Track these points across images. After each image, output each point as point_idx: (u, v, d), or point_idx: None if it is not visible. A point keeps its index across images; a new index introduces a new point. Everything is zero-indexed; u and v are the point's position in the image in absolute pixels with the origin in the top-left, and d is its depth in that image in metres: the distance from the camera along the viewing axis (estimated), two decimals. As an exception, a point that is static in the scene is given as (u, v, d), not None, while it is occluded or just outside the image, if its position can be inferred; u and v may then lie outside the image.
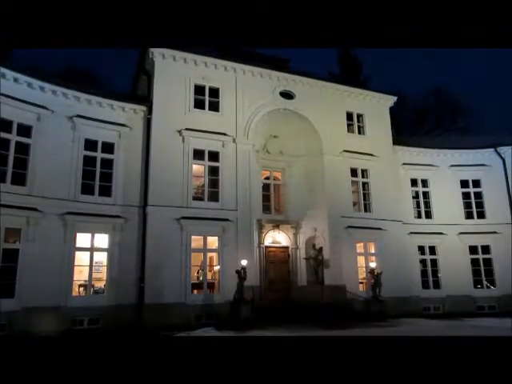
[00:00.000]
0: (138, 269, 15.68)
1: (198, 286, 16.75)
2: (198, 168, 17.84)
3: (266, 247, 19.68)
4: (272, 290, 19.21)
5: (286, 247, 20.14)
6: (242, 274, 15.28)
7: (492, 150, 22.39)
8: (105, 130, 16.37)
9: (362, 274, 19.97)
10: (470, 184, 22.27)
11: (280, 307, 17.38)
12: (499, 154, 22.21)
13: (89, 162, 15.94)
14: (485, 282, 21.08)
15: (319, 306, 17.37)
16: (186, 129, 17.28)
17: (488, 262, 21.28)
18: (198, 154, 17.57)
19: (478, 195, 22.16)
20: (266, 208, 20.46)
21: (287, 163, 20.88)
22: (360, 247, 20.08)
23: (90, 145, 16.07)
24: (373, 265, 18.70)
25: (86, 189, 15.67)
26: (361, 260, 19.89)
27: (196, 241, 17.04)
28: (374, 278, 18.15)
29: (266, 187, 20.83)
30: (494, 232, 21.30)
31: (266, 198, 20.65)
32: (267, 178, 20.94)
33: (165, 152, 16.86)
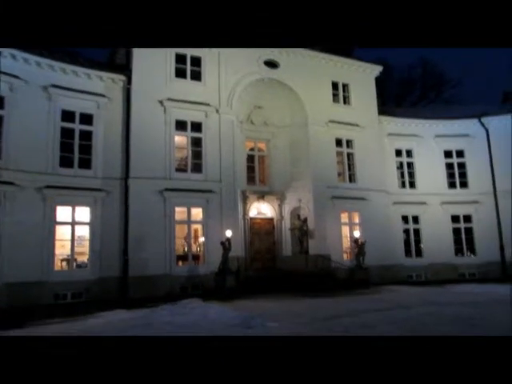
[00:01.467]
0: (122, 242, 15.52)
1: (183, 257, 16.71)
2: (180, 139, 17.51)
3: (251, 218, 19.63)
4: (257, 261, 19.32)
5: (271, 218, 20.13)
6: (226, 245, 15.24)
7: (476, 120, 22.39)
8: (82, 100, 15.81)
9: (346, 244, 20.16)
10: (454, 154, 22.37)
11: (265, 277, 17.52)
12: (483, 124, 22.25)
13: (67, 133, 15.45)
14: (466, 251, 21.45)
15: (304, 275, 17.58)
16: (168, 99, 16.83)
17: (469, 231, 21.64)
18: (181, 125, 17.20)
19: (462, 165, 22.31)
20: (251, 179, 20.30)
21: (272, 134, 20.62)
22: (344, 217, 20.19)
23: (68, 116, 15.53)
24: (357, 234, 18.86)
25: (65, 162, 15.24)
26: (345, 230, 20.04)
27: (180, 213, 16.88)
28: (358, 247, 18.34)
29: (250, 158, 20.61)
30: (476, 201, 21.59)
31: (250, 170, 20.46)
32: (252, 150, 20.70)
33: (146, 123, 16.46)
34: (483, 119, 22.22)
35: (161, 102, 16.77)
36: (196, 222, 17.33)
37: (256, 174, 20.41)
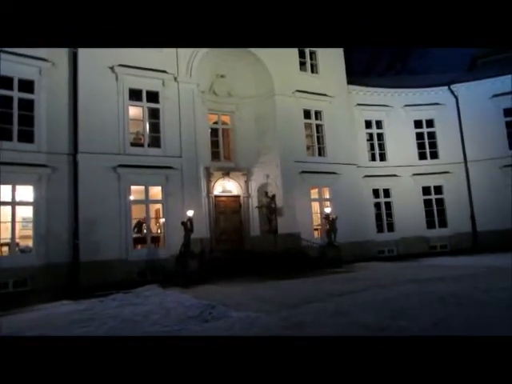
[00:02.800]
0: (71, 224, 13.95)
1: (140, 240, 15.34)
2: (135, 110, 15.91)
3: (216, 196, 18.39)
4: (223, 242, 18.19)
5: (237, 196, 18.95)
6: (188, 225, 13.99)
7: (445, 87, 21.77)
8: (21, 65, 13.81)
9: (316, 221, 19.31)
10: (424, 124, 21.74)
11: (232, 259, 16.43)
12: (452, 92, 21.65)
13: (4, 102, 13.54)
14: (437, 223, 21.06)
15: (273, 256, 16.64)
16: (120, 65, 15.10)
17: (440, 202, 21.23)
18: (135, 95, 15.57)
19: (432, 135, 21.74)
20: (215, 155, 18.99)
21: (236, 106, 19.25)
22: (314, 193, 19.28)
23: (4, 82, 13.56)
24: (328, 210, 17.98)
25: (3, 134, 13.37)
26: (315, 206, 19.15)
27: (137, 192, 15.45)
28: (329, 223, 17.49)
29: (214, 132, 19.25)
30: (447, 172, 21.13)
31: (214, 145, 19.13)
32: (215, 123, 19.30)
33: (96, 92, 14.74)
34: (452, 87, 21.61)
35: (112, 69, 15.06)
36: (155, 202, 15.94)
37: (220, 149, 19.08)
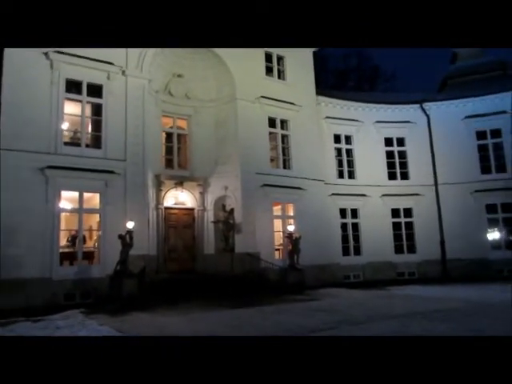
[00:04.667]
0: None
1: (70, 256, 12.95)
2: (72, 105, 13.70)
3: (167, 208, 16.26)
4: (173, 260, 16.04)
5: (191, 209, 16.88)
6: (126, 239, 11.81)
7: (417, 106, 20.76)
8: None
9: (278, 240, 17.46)
10: (395, 142, 20.56)
11: (181, 280, 14.34)
12: (424, 111, 20.67)
13: None
14: (405, 248, 19.69)
15: (228, 279, 14.63)
16: (56, 51, 12.93)
17: (409, 226, 19.91)
18: (74, 87, 13.41)
19: (402, 154, 20.57)
20: (168, 162, 16.96)
21: (194, 109, 17.35)
22: (277, 209, 17.49)
23: None
24: (291, 228, 16.18)
25: None
26: (277, 224, 17.31)
27: (69, 199, 13.15)
28: (292, 243, 15.67)
29: (168, 137, 17.26)
30: (417, 194, 19.93)
31: (167, 151, 17.13)
32: (171, 127, 17.31)
33: (25, 79, 12.49)
34: (424, 105, 20.62)
35: (46, 55, 12.88)
36: (90, 211, 13.64)
37: (174, 156, 17.04)
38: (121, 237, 11.72)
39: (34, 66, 12.69)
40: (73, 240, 13.89)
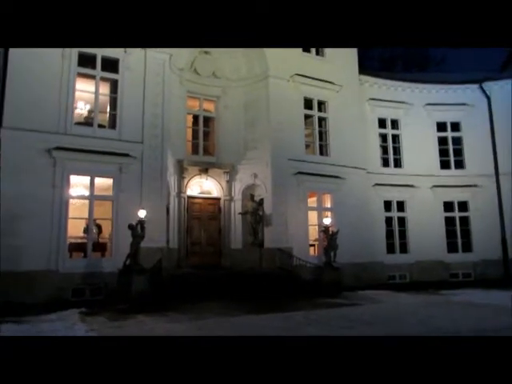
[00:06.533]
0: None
1: (80, 247, 11.76)
2: (85, 80, 12.47)
3: (190, 198, 14.84)
4: (195, 254, 14.63)
5: (217, 198, 15.36)
6: (137, 230, 10.43)
7: (476, 86, 18.26)
8: None
9: (313, 235, 15.66)
10: (448, 127, 18.15)
11: (203, 276, 12.88)
12: (484, 91, 18.13)
13: None
14: (460, 246, 17.32)
15: (256, 276, 13.07)
16: (68, 22, 11.73)
17: (465, 222, 17.52)
18: (87, 60, 12.15)
19: (457, 141, 18.13)
20: (193, 147, 15.52)
21: (222, 90, 15.78)
22: (312, 200, 15.67)
23: None
24: (327, 221, 14.32)
25: None
26: (312, 216, 15.46)
27: (79, 184, 11.98)
28: (328, 238, 13.83)
29: (193, 120, 15.84)
30: (474, 185, 17.46)
31: (193, 135, 15.70)
32: (197, 110, 15.86)
33: (33, 52, 11.27)
34: (484, 85, 18.07)
35: (57, 26, 11.69)
36: (102, 198, 12.35)
37: (200, 141, 15.57)
38: (131, 227, 10.36)
39: (43, 38, 11.53)
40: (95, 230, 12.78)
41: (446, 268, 16.94)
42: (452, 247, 17.23)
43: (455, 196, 17.49)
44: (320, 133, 16.04)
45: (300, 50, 15.89)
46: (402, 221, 17.15)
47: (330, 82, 16.07)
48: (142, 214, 10.58)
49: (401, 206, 17.23)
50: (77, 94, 12.01)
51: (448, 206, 17.49)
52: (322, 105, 16.20)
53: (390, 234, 16.91)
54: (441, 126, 18.15)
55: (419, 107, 18.07)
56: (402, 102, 17.94)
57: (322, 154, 15.89)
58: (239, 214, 15.06)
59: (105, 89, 12.67)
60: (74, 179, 11.73)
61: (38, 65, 11.39)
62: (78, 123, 12.24)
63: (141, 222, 10.47)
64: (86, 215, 11.98)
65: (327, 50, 16.53)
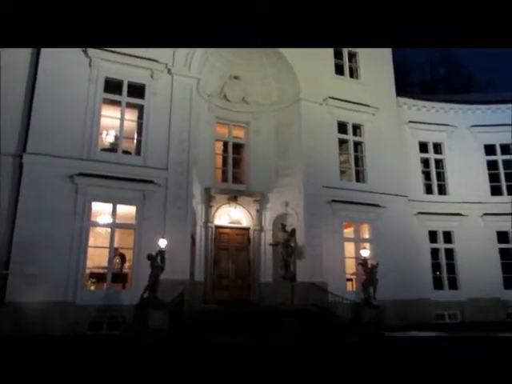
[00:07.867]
0: (4, 248, 10.14)
1: (99, 277, 11.17)
2: (111, 106, 12.26)
3: (217, 227, 14.10)
4: (223, 288, 13.72)
5: (246, 228, 14.53)
6: (157, 260, 9.71)
7: (527, 105, 16.85)
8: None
9: (350, 269, 14.42)
10: (498, 149, 16.71)
11: (230, 313, 11.81)
12: (537, 111, 16.66)
13: None
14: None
15: (287, 313, 11.95)
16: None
17: (523, 254, 15.74)
18: (113, 86, 12.01)
19: (509, 164, 16.60)
20: (221, 174, 14.93)
21: (252, 115, 15.28)
22: (349, 231, 14.54)
23: None
24: (365, 253, 13.06)
25: None
26: (349, 248, 14.29)
27: (100, 211, 11.53)
28: (367, 272, 12.55)
29: (223, 147, 15.34)
30: (531, 214, 15.75)
31: (222, 162, 15.15)
32: (226, 136, 15.37)
33: (60, 78, 11.39)
34: (538, 104, 16.63)
35: (85, 52, 11.66)
36: (125, 226, 11.82)
37: (229, 168, 14.97)
38: (150, 257, 9.68)
39: (71, 64, 11.52)
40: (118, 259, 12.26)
41: (503, 306, 15.10)
42: (509, 283, 15.41)
43: (510, 225, 15.78)
44: (356, 158, 15.08)
45: (333, 72, 15.30)
46: (449, 253, 15.63)
47: (365, 105, 15.23)
48: (162, 243, 9.89)
49: (448, 236, 15.75)
50: (102, 119, 11.79)
51: (502, 236, 15.82)
52: (357, 129, 15.33)
53: (436, 267, 15.40)
54: (489, 149, 16.75)
55: (464, 129, 16.85)
56: (445, 125, 16.80)
57: (358, 180, 14.86)
58: (270, 245, 14.14)
59: (130, 114, 12.42)
60: (96, 206, 11.30)
61: (64, 90, 11.31)
62: (103, 149, 11.96)
63: (161, 253, 9.77)
64: (108, 244, 11.46)
65: (362, 72, 15.81)
